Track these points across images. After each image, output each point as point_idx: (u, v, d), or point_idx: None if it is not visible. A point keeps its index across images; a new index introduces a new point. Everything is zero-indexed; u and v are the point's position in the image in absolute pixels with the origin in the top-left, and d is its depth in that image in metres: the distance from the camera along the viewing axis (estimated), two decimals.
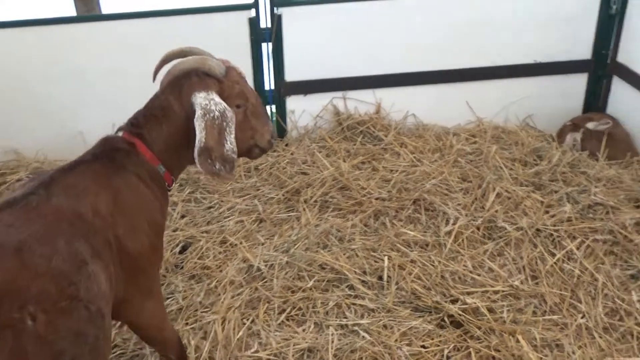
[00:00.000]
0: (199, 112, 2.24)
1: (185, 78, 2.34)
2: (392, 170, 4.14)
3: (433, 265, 3.31)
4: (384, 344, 2.86)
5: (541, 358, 2.77)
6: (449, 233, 3.53)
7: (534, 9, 4.54)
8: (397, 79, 4.62)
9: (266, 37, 4.34)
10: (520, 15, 4.54)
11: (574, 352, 2.81)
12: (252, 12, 4.28)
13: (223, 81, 2.37)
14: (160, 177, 2.36)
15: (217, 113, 2.26)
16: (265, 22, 4.33)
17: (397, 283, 3.21)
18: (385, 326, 2.98)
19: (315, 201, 3.88)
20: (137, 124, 2.35)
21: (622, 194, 3.76)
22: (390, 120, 4.62)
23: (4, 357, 1.71)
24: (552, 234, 3.49)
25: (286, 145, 4.52)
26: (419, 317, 3.04)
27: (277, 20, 4.27)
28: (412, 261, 3.35)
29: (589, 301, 3.10)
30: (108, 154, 2.27)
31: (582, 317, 3.00)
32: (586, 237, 3.44)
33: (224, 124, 2.27)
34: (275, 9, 4.28)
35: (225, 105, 2.30)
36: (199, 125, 2.23)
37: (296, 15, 4.31)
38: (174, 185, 2.57)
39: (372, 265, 3.34)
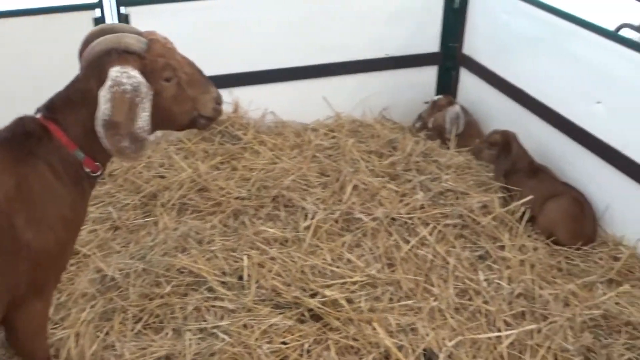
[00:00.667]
0: (107, 84, 2.14)
1: (105, 57, 2.21)
2: (251, 169, 4.11)
3: (293, 261, 3.32)
4: (244, 344, 2.84)
5: (396, 343, 2.84)
6: (307, 228, 3.55)
7: (383, 3, 4.67)
8: (254, 76, 4.60)
9: None
10: (371, 10, 4.65)
11: (427, 334, 2.90)
12: (97, 12, 4.11)
13: (145, 56, 2.25)
14: (77, 165, 2.24)
15: (128, 87, 2.15)
16: (111, 22, 4.17)
17: (257, 281, 3.19)
18: (245, 326, 2.95)
19: (174, 204, 3.79)
20: (53, 107, 2.24)
21: (471, 180, 3.95)
22: (249, 119, 4.59)
23: None
24: (406, 222, 3.60)
25: None
26: (280, 313, 3.03)
27: (124, 20, 4.13)
28: (272, 258, 3.34)
29: (441, 284, 3.22)
30: (18, 138, 2.15)
31: (434, 300, 3.10)
32: (438, 223, 3.57)
33: (137, 99, 2.17)
34: (121, 8, 4.13)
35: (141, 79, 2.18)
36: (103, 96, 2.13)
37: (144, 15, 4.18)
38: (104, 171, 2.42)
39: (231, 266, 3.30)
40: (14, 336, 2.40)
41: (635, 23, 5.07)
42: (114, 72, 2.17)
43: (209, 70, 2.56)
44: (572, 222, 3.59)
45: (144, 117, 2.21)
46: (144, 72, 2.23)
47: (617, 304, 3.06)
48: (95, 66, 2.24)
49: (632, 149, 3.45)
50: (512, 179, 3.83)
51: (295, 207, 3.75)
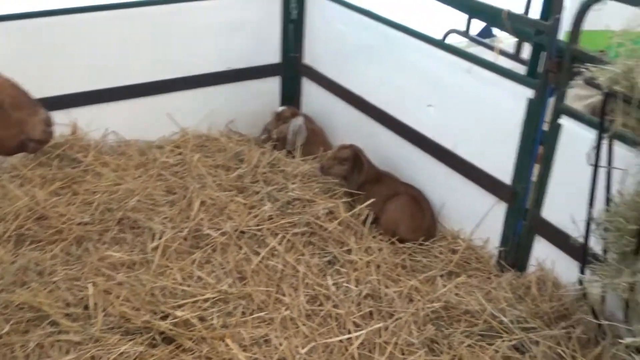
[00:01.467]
0: None
1: None
2: (94, 192, 3.96)
3: (142, 284, 3.24)
4: None
5: (250, 356, 2.85)
6: (155, 248, 3.48)
7: (222, 17, 4.66)
8: (93, 96, 4.43)
9: None
10: (210, 24, 4.63)
11: (280, 344, 2.93)
12: None
13: None
14: None
15: None
16: None
17: (104, 309, 3.07)
18: (93, 357, 2.84)
19: (10, 236, 3.57)
20: None
21: (316, 187, 4.03)
22: (89, 140, 4.42)
23: None
24: (255, 234, 3.62)
25: None
26: (130, 340, 2.94)
27: None
28: (119, 284, 3.24)
29: (292, 293, 3.27)
30: None
31: (286, 309, 3.14)
32: (287, 232, 3.62)
33: None
34: None
35: None
36: None
37: None
38: None
39: (76, 296, 3.16)
40: None
41: (462, 29, 5.40)
42: None
43: (44, 91, 2.47)
44: (412, 219, 3.77)
45: None
46: None
47: (456, 294, 3.25)
48: None
49: (462, 149, 3.67)
50: (361, 188, 3.95)
51: (142, 228, 3.66)
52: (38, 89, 2.56)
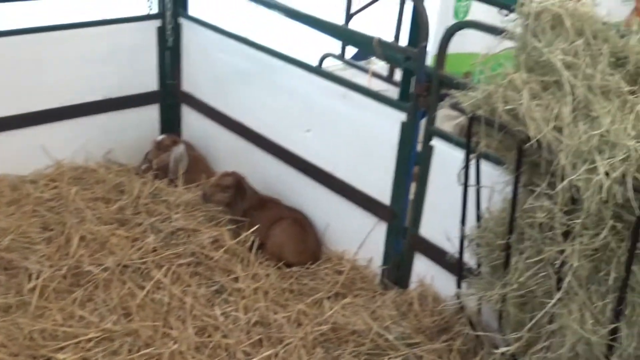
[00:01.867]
0: None
1: None
2: None
3: (19, 328, 3.09)
4: None
5: None
6: (33, 289, 3.33)
7: (97, 45, 4.55)
8: None
9: None
10: (85, 52, 4.50)
11: None
12: None
13: None
14: None
15: None
16: None
17: None
18: None
19: None
20: None
21: (200, 216, 4.00)
22: None
23: None
24: (139, 268, 3.54)
25: None
26: None
27: None
28: None
29: (180, 325, 3.22)
30: None
31: (174, 343, 3.09)
32: (172, 264, 3.57)
33: None
34: None
35: None
36: None
37: None
38: None
39: None
40: None
41: (337, 52, 5.57)
42: None
43: None
44: (297, 242, 3.82)
45: None
46: None
47: (343, 315, 3.32)
48: None
49: (341, 171, 3.78)
50: (245, 215, 3.96)
51: (17, 268, 3.49)
52: None
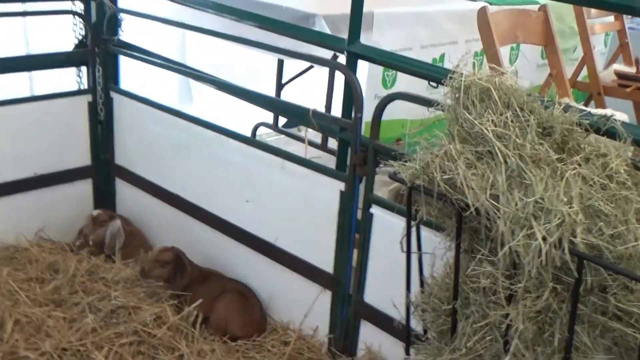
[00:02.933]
0: None
1: None
2: None
3: None
4: None
5: None
6: None
7: (26, 121, 4.48)
8: None
9: None
10: (11, 128, 4.42)
11: None
12: None
13: None
14: None
15: None
16: None
17: None
18: None
19: None
20: None
21: (141, 292, 3.93)
22: None
23: None
24: (79, 350, 3.43)
25: None
26: None
27: None
28: None
29: None
30: None
31: None
32: (113, 344, 3.47)
33: None
34: None
35: None
36: None
37: None
38: None
39: None
40: None
41: (269, 122, 5.67)
42: None
43: None
44: (241, 315, 3.79)
45: None
46: None
47: None
48: None
49: (283, 241, 3.80)
50: (186, 290, 3.91)
51: None
52: None
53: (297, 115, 3.94)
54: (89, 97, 4.73)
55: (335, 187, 3.49)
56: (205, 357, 3.49)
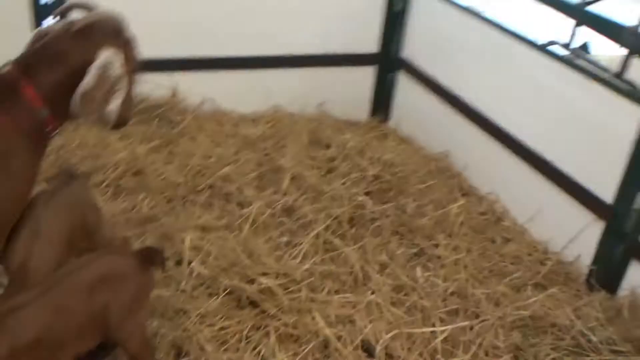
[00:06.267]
0: (99, 62, 2.22)
1: (100, 33, 2.28)
2: (187, 156, 4.03)
3: (231, 249, 3.28)
4: (183, 327, 2.79)
5: (336, 333, 2.86)
6: (246, 218, 3.52)
7: (326, 1, 4.68)
8: (195, 63, 4.53)
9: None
10: (313, 7, 4.66)
11: (365, 326, 2.93)
12: None
13: (128, 44, 2.38)
14: (38, 122, 2.23)
15: (114, 73, 2.26)
16: None
17: (192, 266, 3.13)
18: (183, 311, 2.90)
19: (108, 185, 3.68)
20: (27, 63, 2.25)
21: None
22: (187, 105, 4.51)
23: None
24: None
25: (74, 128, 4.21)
26: (216, 299, 2.99)
27: None
28: (210, 244, 3.28)
29: (378, 279, 3.25)
30: None
31: (372, 294, 3.13)
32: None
33: (117, 87, 2.28)
34: None
35: (121, 72, 2.29)
36: (92, 71, 2.20)
37: None
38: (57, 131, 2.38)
39: (167, 250, 3.23)
40: None
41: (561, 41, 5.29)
42: (108, 54, 2.25)
43: (147, 53, 2.54)
44: None
45: (115, 104, 2.30)
46: (127, 60, 2.34)
47: (543, 305, 3.17)
48: (87, 37, 2.26)
49: (561, 159, 3.61)
50: None
51: (233, 195, 3.71)
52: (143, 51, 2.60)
53: (609, 30, 3.61)
54: None
55: (635, 116, 3.19)
56: (460, 253, 3.49)
